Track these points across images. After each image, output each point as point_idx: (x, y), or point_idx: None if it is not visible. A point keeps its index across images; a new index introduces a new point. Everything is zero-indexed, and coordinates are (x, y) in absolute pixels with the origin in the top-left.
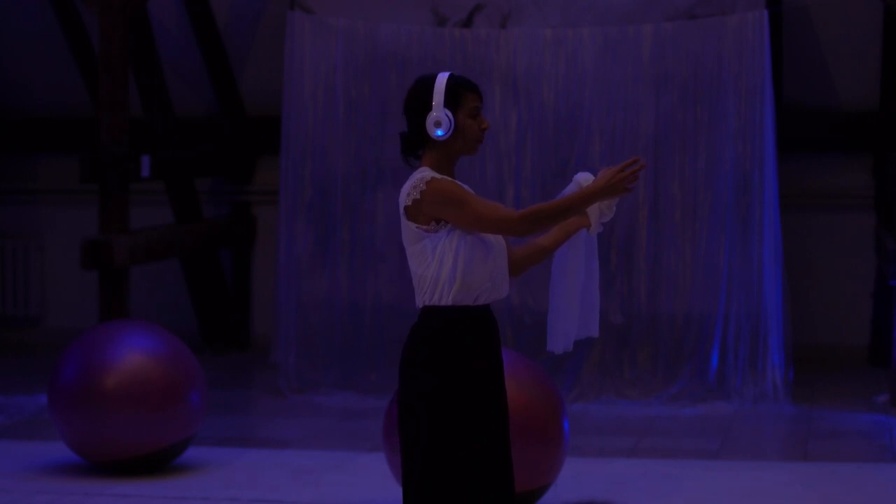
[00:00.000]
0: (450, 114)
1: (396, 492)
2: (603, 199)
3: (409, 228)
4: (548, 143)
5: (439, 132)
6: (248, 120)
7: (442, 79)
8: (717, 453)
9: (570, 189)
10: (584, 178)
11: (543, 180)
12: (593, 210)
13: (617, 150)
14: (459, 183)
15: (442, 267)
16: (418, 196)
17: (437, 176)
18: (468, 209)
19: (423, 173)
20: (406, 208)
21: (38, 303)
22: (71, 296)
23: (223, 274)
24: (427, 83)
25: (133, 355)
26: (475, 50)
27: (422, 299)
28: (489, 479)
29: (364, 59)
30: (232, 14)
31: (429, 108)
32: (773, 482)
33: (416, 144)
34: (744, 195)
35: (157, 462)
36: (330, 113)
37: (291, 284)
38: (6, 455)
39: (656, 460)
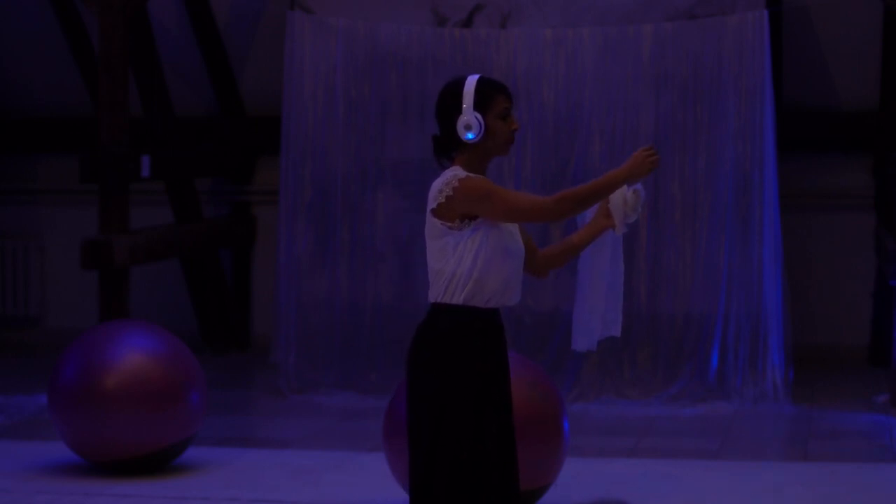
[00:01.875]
0: (479, 116)
1: (396, 492)
2: (630, 179)
3: (433, 224)
4: (548, 143)
5: (469, 135)
6: (248, 120)
7: (471, 81)
8: (717, 453)
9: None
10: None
11: (543, 180)
12: (618, 211)
13: (617, 150)
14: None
15: (460, 264)
16: (451, 192)
17: (470, 174)
18: (500, 200)
19: (455, 171)
20: (438, 205)
21: (38, 303)
22: (71, 296)
23: (223, 274)
24: (456, 86)
25: (133, 355)
26: (475, 50)
27: (434, 294)
28: (489, 481)
29: (364, 59)
30: (232, 14)
31: (459, 110)
32: (773, 482)
33: (447, 147)
34: (744, 195)
35: (157, 462)
36: (330, 113)
37: (291, 284)
38: (6, 455)
39: (656, 460)
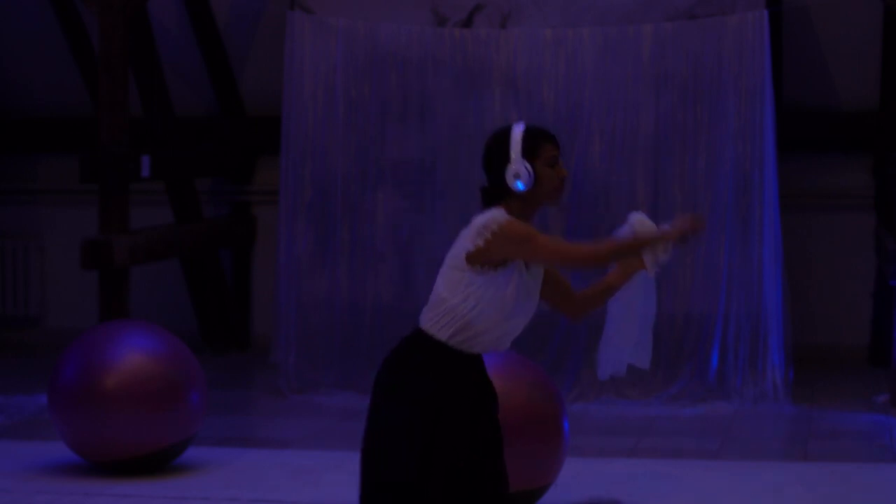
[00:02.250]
0: (528, 165)
1: None
2: (672, 239)
3: (459, 257)
4: None
5: (519, 184)
6: (248, 120)
7: (518, 130)
8: (717, 453)
9: (625, 230)
10: (637, 219)
11: None
12: (648, 252)
13: (617, 150)
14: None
15: (463, 302)
16: (495, 230)
17: (510, 217)
18: (539, 244)
19: (497, 213)
20: (476, 248)
21: (38, 303)
22: (71, 296)
23: (223, 274)
24: (503, 136)
25: (133, 355)
26: (475, 50)
27: (425, 320)
28: (484, 490)
29: (364, 59)
30: (232, 14)
31: (507, 160)
32: (773, 482)
33: (496, 197)
34: (744, 195)
35: (157, 462)
36: (330, 113)
37: (291, 284)
38: (6, 455)
39: (656, 460)
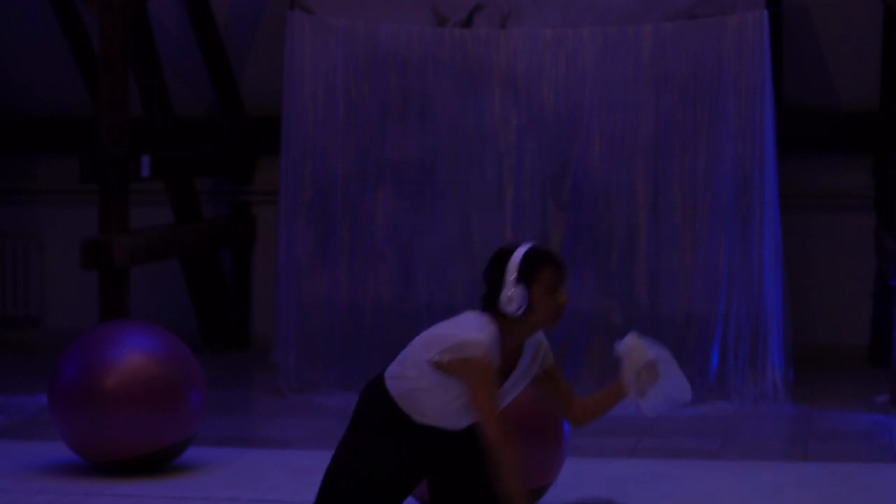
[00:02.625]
0: (524, 290)
1: None
2: (656, 374)
3: (434, 350)
4: (548, 143)
5: (511, 309)
6: (248, 120)
7: (519, 253)
8: (717, 453)
9: (619, 348)
10: (632, 342)
11: (543, 180)
12: (632, 385)
13: (617, 150)
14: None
15: (416, 379)
16: (461, 361)
17: (486, 353)
18: (478, 390)
19: (482, 340)
20: (442, 363)
21: (38, 303)
22: (71, 296)
23: (223, 274)
24: (504, 256)
25: (133, 355)
26: (475, 50)
27: (390, 369)
28: (484, 494)
29: (364, 59)
30: (232, 14)
31: (503, 282)
32: (773, 482)
33: (494, 309)
34: (744, 195)
35: (157, 462)
36: (330, 113)
37: (291, 284)
38: (6, 455)
39: (656, 460)
